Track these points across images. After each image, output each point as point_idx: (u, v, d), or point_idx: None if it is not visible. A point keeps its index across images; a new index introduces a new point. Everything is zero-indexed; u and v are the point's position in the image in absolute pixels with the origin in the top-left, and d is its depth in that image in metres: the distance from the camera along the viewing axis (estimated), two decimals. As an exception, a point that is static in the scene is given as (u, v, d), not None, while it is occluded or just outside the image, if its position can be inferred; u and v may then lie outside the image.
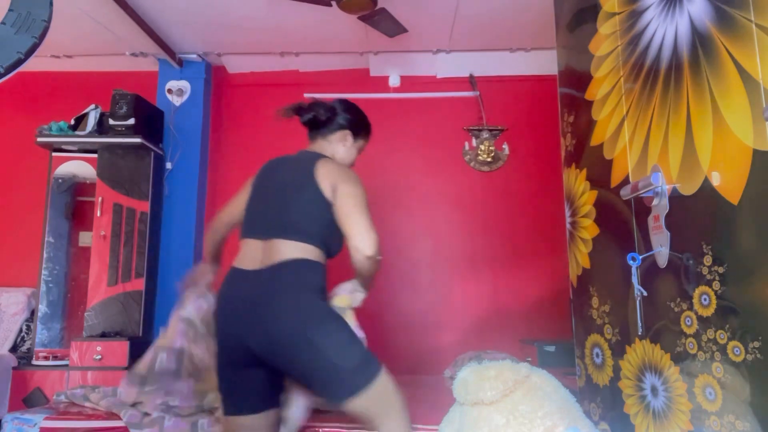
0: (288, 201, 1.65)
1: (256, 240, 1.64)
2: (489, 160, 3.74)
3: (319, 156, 1.74)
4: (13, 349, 3.32)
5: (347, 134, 1.85)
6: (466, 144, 3.80)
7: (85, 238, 3.37)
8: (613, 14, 1.49)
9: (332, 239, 1.63)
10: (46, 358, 3.11)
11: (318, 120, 1.84)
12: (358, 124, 1.88)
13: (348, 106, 1.90)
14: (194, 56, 3.72)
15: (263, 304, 1.51)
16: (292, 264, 1.55)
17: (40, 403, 2.89)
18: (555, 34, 1.94)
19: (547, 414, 1.34)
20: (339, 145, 1.84)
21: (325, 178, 1.63)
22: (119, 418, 2.07)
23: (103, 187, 3.23)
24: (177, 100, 3.69)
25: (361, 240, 1.53)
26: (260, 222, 1.68)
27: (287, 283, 1.53)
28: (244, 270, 1.60)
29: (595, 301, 1.59)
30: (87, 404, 2.26)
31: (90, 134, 3.28)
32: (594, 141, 1.59)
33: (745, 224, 0.98)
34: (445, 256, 3.71)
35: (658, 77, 1.25)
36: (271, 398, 1.63)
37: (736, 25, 1.00)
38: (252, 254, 1.62)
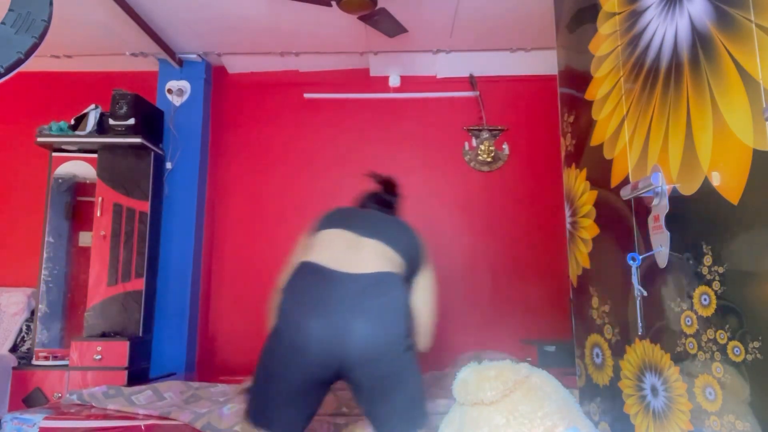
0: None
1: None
2: (489, 160, 3.74)
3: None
4: (13, 349, 3.32)
5: None
6: (466, 144, 3.80)
7: (85, 238, 3.37)
8: (613, 14, 1.49)
9: None
10: (46, 358, 3.11)
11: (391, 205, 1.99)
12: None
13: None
14: (194, 56, 3.72)
15: None
16: None
17: (40, 403, 2.90)
18: (555, 34, 1.94)
19: (547, 414, 1.34)
20: None
21: (422, 246, 1.78)
22: (121, 418, 2.07)
23: (103, 187, 3.23)
24: (177, 100, 3.69)
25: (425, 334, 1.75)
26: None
27: None
28: None
29: (595, 301, 1.59)
30: (110, 406, 2.25)
31: (90, 134, 3.28)
32: (594, 141, 1.59)
33: (745, 224, 0.98)
34: (445, 256, 3.70)
35: (658, 77, 1.25)
36: (307, 424, 1.54)
37: (736, 25, 1.00)
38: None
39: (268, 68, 3.88)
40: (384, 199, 1.94)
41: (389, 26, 2.93)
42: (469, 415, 1.40)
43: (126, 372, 2.93)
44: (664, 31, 1.23)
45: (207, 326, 3.70)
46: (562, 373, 1.98)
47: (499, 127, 3.79)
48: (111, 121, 3.21)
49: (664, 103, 1.23)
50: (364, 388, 1.45)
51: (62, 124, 3.30)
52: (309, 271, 1.54)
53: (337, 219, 1.72)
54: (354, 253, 1.57)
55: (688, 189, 1.14)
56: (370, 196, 1.95)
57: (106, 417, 2.11)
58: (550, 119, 3.60)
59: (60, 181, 3.38)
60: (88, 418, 2.10)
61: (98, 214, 3.20)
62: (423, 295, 1.73)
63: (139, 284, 3.18)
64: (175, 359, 3.40)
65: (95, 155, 3.30)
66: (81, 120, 3.33)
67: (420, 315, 1.70)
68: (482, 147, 3.74)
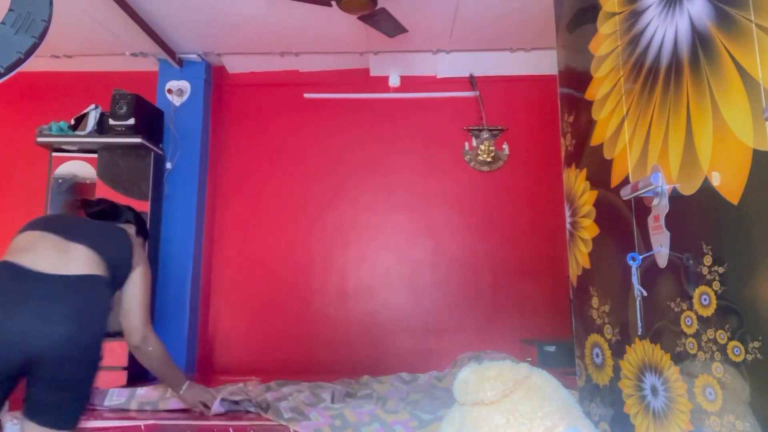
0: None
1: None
2: (489, 160, 3.75)
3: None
4: (13, 349, 3.31)
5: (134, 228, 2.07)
6: (466, 144, 3.80)
7: (85, 238, 3.36)
8: (613, 14, 1.49)
9: None
10: (46, 358, 3.10)
11: (106, 213, 2.01)
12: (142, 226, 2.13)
13: (135, 213, 2.13)
14: (194, 56, 3.72)
15: None
16: None
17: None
18: (555, 34, 1.94)
19: (547, 414, 1.34)
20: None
21: (132, 250, 1.85)
22: (121, 419, 2.07)
23: (103, 187, 3.23)
24: (177, 100, 3.69)
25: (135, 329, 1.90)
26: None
27: None
28: None
29: (595, 301, 1.59)
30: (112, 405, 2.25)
31: (90, 134, 3.28)
32: (594, 141, 1.60)
33: (745, 224, 0.98)
34: (445, 256, 3.71)
35: (658, 77, 1.25)
36: None
37: (736, 25, 1.00)
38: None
39: (268, 68, 3.88)
40: (101, 209, 2.01)
41: (389, 26, 2.92)
42: (469, 415, 1.40)
43: (126, 372, 2.93)
44: (664, 31, 1.23)
45: (207, 326, 3.70)
46: (562, 373, 1.98)
47: (499, 127, 3.79)
48: (111, 121, 3.20)
49: (664, 103, 1.23)
50: (45, 381, 1.54)
51: (62, 124, 3.30)
52: (8, 272, 1.58)
53: (43, 223, 1.80)
54: (59, 256, 1.64)
55: (688, 189, 1.14)
56: (81, 204, 2.08)
57: (106, 417, 2.11)
58: (550, 119, 3.60)
59: (60, 181, 3.38)
60: (88, 418, 2.10)
61: (98, 214, 3.19)
62: (133, 292, 1.85)
63: (139, 284, 3.18)
64: (175, 359, 3.37)
65: (95, 155, 3.29)
66: (81, 120, 3.33)
67: (130, 311, 1.86)
68: (482, 147, 3.75)
